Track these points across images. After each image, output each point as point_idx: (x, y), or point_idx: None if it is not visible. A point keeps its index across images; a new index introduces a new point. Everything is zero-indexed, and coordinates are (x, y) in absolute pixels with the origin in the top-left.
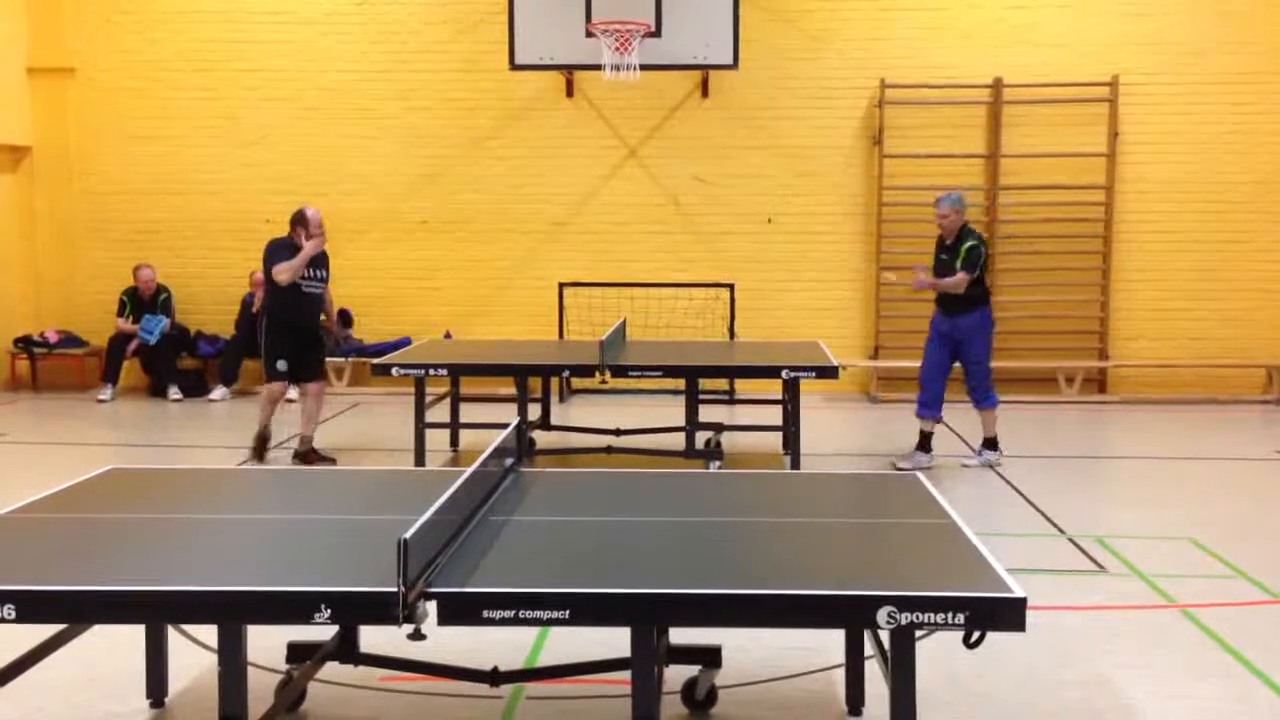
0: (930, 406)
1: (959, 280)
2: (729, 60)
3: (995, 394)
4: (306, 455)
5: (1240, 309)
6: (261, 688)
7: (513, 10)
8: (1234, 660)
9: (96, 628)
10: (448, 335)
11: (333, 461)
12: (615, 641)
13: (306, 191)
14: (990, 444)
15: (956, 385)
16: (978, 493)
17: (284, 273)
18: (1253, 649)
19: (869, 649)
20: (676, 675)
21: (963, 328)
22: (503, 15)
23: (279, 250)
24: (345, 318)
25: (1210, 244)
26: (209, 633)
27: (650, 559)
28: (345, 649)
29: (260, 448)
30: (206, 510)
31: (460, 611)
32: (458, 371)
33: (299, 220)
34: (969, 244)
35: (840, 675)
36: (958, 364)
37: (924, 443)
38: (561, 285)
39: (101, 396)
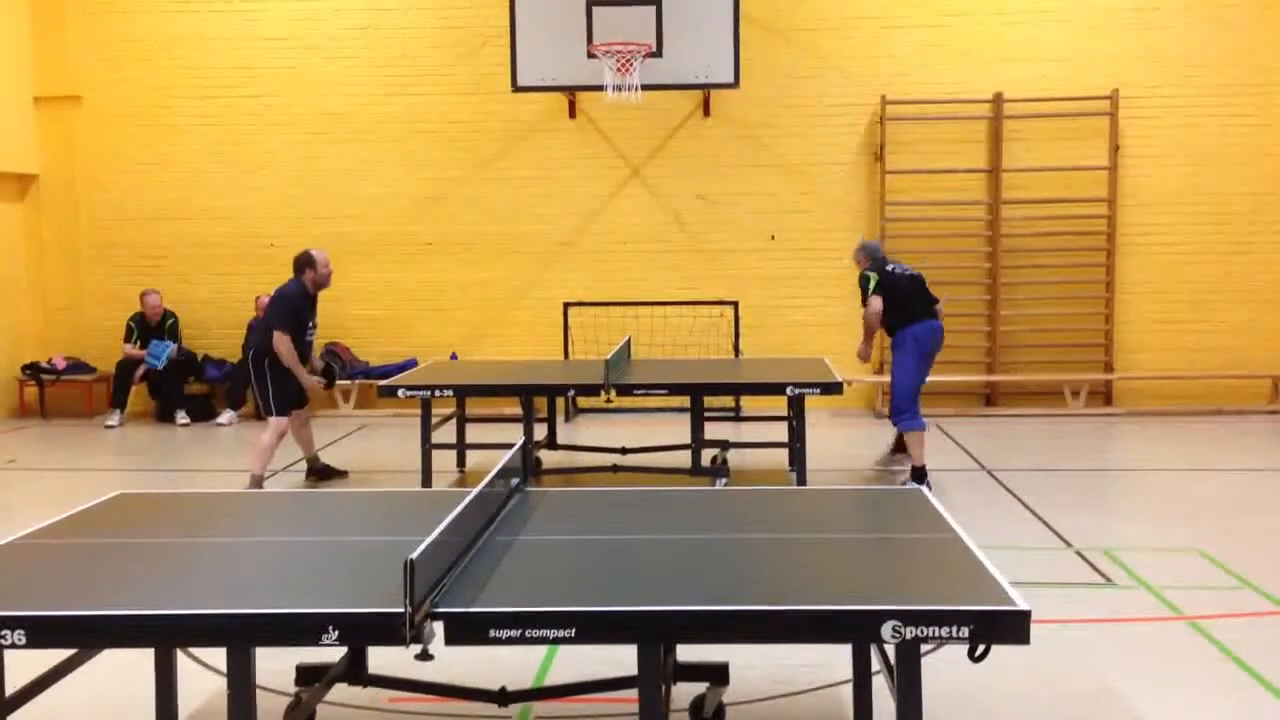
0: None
1: (866, 317)
2: (730, 79)
3: (914, 418)
4: (322, 471)
5: (1244, 320)
6: (270, 711)
7: (514, 33)
8: (1243, 672)
9: (106, 652)
10: (453, 356)
11: (345, 474)
12: (622, 660)
13: (312, 215)
14: (917, 475)
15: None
16: (983, 506)
17: (283, 353)
18: (1262, 661)
19: (875, 664)
20: (684, 693)
21: (893, 345)
22: (506, 38)
23: (287, 309)
24: (329, 372)
25: (1213, 255)
26: (218, 656)
27: (656, 577)
28: (354, 670)
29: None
30: (214, 534)
31: (467, 631)
32: (463, 392)
33: (307, 262)
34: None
35: (847, 691)
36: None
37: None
38: (566, 305)
39: (109, 422)
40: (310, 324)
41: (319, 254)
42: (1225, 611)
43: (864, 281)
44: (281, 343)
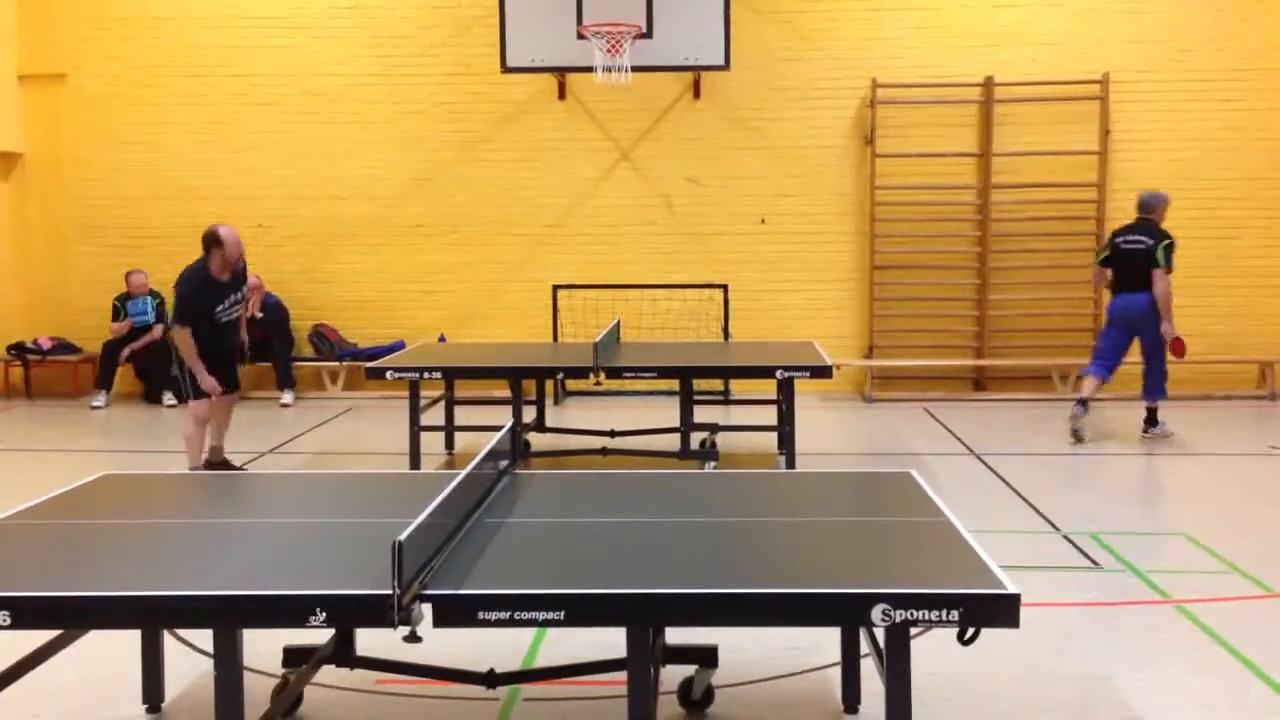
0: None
1: (1159, 282)
2: (720, 61)
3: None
4: (219, 465)
5: (1232, 305)
6: (258, 692)
7: (504, 13)
8: (1229, 655)
9: (92, 633)
10: (441, 338)
11: (241, 469)
12: (611, 642)
13: (300, 196)
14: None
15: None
16: (972, 490)
17: (182, 349)
18: (1248, 644)
19: (865, 647)
20: (673, 675)
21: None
22: (495, 18)
23: (188, 298)
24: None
25: (1202, 240)
26: (205, 637)
27: (645, 559)
28: (341, 652)
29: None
30: (201, 515)
31: (456, 613)
32: (452, 374)
33: (214, 242)
34: (1165, 242)
35: (836, 674)
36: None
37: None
38: (555, 287)
39: (95, 403)
40: (224, 304)
41: (227, 231)
42: (1212, 595)
43: (1169, 250)
44: (181, 338)
